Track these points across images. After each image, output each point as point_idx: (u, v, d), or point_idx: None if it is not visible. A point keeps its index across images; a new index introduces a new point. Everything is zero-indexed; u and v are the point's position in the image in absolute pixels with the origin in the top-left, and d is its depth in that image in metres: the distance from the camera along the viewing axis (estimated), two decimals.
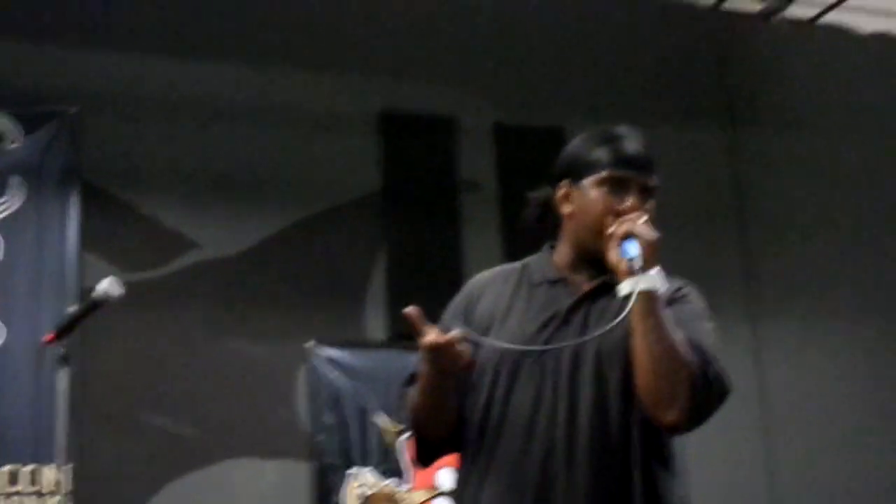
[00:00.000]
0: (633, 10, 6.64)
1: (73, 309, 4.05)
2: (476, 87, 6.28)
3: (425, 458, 2.49)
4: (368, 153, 6.04)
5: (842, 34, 6.96)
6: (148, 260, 5.53)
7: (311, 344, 5.64)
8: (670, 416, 2.24)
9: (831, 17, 6.68)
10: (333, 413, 5.57)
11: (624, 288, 2.27)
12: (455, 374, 2.31)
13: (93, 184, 5.50)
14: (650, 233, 2.34)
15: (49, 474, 4.98)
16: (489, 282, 2.52)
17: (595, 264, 2.40)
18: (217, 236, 5.67)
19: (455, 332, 2.28)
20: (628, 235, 2.31)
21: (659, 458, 2.35)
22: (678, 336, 2.27)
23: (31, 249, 5.29)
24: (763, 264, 6.56)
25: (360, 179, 5.99)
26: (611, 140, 2.51)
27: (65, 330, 3.55)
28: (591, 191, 2.43)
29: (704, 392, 2.27)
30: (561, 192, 2.49)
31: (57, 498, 3.80)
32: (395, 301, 5.82)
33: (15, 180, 5.33)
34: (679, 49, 6.73)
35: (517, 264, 2.55)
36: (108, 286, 3.48)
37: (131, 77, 5.71)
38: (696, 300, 2.47)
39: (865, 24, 7.06)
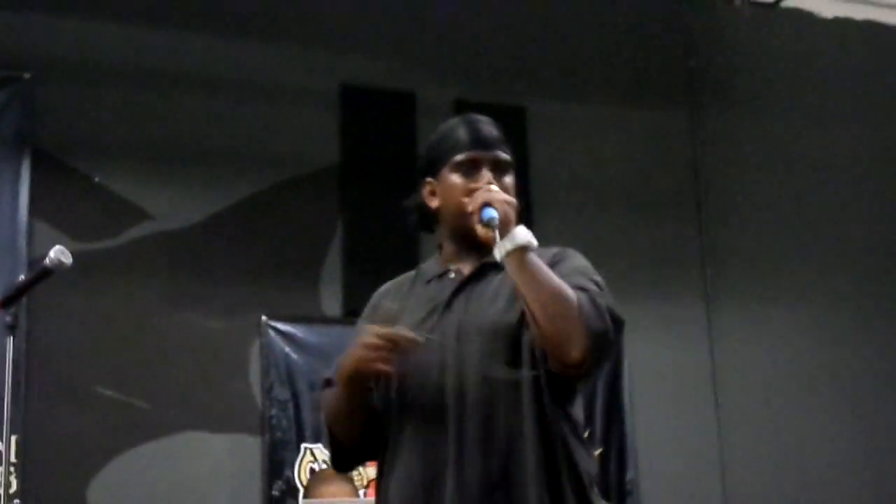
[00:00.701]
0: None
1: (21, 277, 3.98)
2: (437, 63, 6.24)
3: (341, 464, 2.58)
4: (327, 127, 6.00)
5: (803, 18, 6.98)
6: (99, 230, 5.46)
7: (264, 318, 5.60)
8: (573, 353, 2.28)
9: (793, 1, 6.70)
10: (286, 388, 5.54)
11: (497, 253, 2.33)
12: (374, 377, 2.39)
13: (45, 151, 5.43)
14: (503, 196, 2.39)
15: None
16: (388, 291, 2.61)
17: (477, 250, 2.47)
18: (170, 207, 5.61)
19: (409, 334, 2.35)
20: (484, 205, 2.36)
21: (561, 426, 2.37)
22: (562, 282, 2.33)
23: None
24: (720, 246, 6.59)
25: (318, 153, 5.95)
26: (457, 127, 2.59)
27: (12, 298, 3.49)
28: (448, 178, 2.53)
29: (599, 324, 2.32)
30: (426, 189, 2.58)
31: (1, 468, 3.75)
32: (351, 276, 5.79)
33: None
34: (642, 29, 6.72)
35: (412, 271, 2.65)
36: (57, 254, 3.42)
37: (86, 44, 5.63)
38: (575, 257, 2.52)
39: (826, 9, 7.09)
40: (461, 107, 6.07)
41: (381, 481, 2.44)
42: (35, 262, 4.89)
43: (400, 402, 2.41)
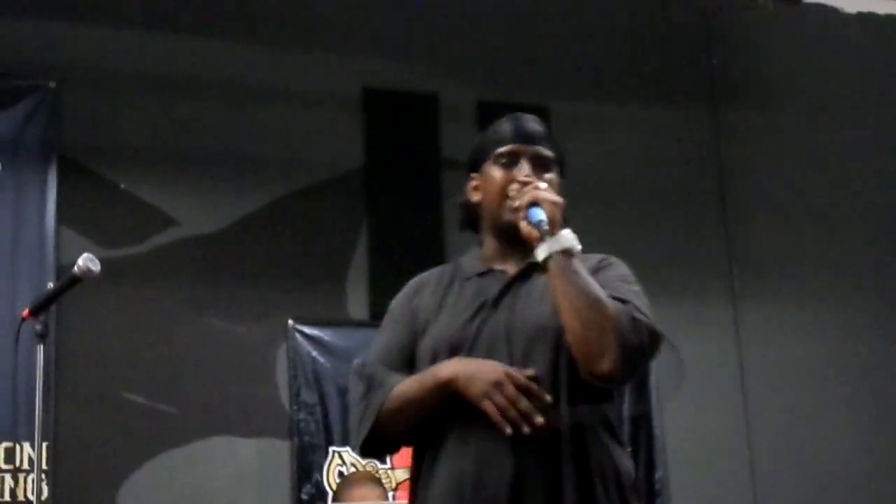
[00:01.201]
0: None
1: (50, 285, 4.01)
2: (459, 65, 6.25)
3: (373, 450, 2.51)
4: (351, 130, 6.01)
5: (827, 14, 6.93)
6: (126, 236, 5.49)
7: (291, 322, 5.61)
8: (603, 365, 2.27)
9: None
10: (314, 391, 5.55)
11: (540, 254, 2.34)
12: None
13: (71, 159, 5.46)
14: (552, 196, 2.40)
15: (25, 452, 4.95)
16: (426, 282, 2.58)
17: (520, 247, 2.46)
18: (197, 213, 5.63)
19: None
20: (532, 203, 2.38)
21: (602, 426, 2.37)
22: (601, 291, 2.32)
23: (9, 225, 5.24)
24: (744, 244, 6.56)
25: (343, 157, 5.96)
26: (502, 123, 2.61)
27: (42, 306, 3.52)
28: (489, 172, 2.54)
29: (634, 339, 2.31)
30: (470, 185, 2.61)
31: (33, 475, 3.77)
32: (377, 279, 5.79)
33: None
34: (664, 27, 6.71)
35: (447, 266, 2.63)
36: (85, 262, 3.45)
37: (112, 52, 5.66)
38: (619, 266, 2.52)
39: (850, 5, 7.04)
40: (484, 107, 6.09)
41: (422, 477, 2.41)
42: (63, 269, 4.93)
43: (449, 400, 2.36)
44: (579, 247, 2.35)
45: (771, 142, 6.77)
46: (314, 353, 5.60)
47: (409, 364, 2.46)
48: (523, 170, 2.50)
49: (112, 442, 5.25)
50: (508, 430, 2.24)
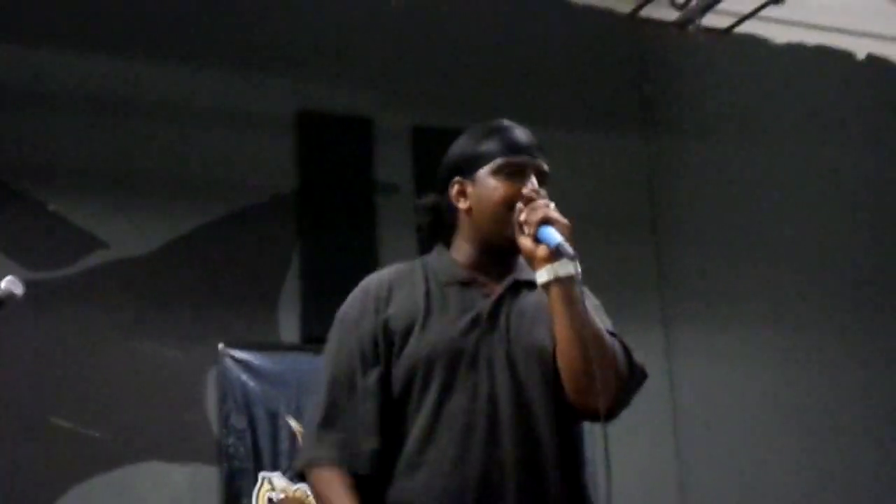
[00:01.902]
0: (551, 17, 6.65)
1: None
2: (394, 89, 6.25)
3: None
4: (284, 153, 5.99)
5: (756, 43, 7.03)
6: (55, 259, 5.42)
7: (221, 346, 5.56)
8: (603, 402, 2.21)
9: (746, 28, 6.74)
10: (243, 416, 5.50)
11: (543, 275, 2.26)
12: None
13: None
14: (562, 218, 2.33)
15: None
16: (394, 281, 2.43)
17: (500, 259, 2.39)
18: (126, 236, 5.58)
19: None
20: (545, 221, 2.29)
21: (578, 454, 2.37)
22: (601, 325, 2.28)
23: None
24: (676, 270, 6.62)
25: (275, 180, 5.93)
26: (499, 130, 2.49)
27: None
28: (487, 180, 2.41)
29: (631, 377, 2.30)
30: (454, 189, 2.45)
31: None
32: (309, 303, 5.77)
33: None
34: (597, 56, 6.76)
35: (411, 265, 2.49)
36: (8, 285, 3.38)
37: (42, 72, 5.60)
38: (591, 296, 2.45)
39: (779, 35, 7.14)
40: (418, 132, 6.09)
41: (391, 486, 2.29)
42: None
43: (435, 414, 2.27)
44: (579, 272, 2.27)
45: (703, 169, 6.85)
46: (244, 377, 5.55)
47: (374, 363, 2.33)
48: (531, 185, 2.39)
49: (39, 467, 5.17)
50: None
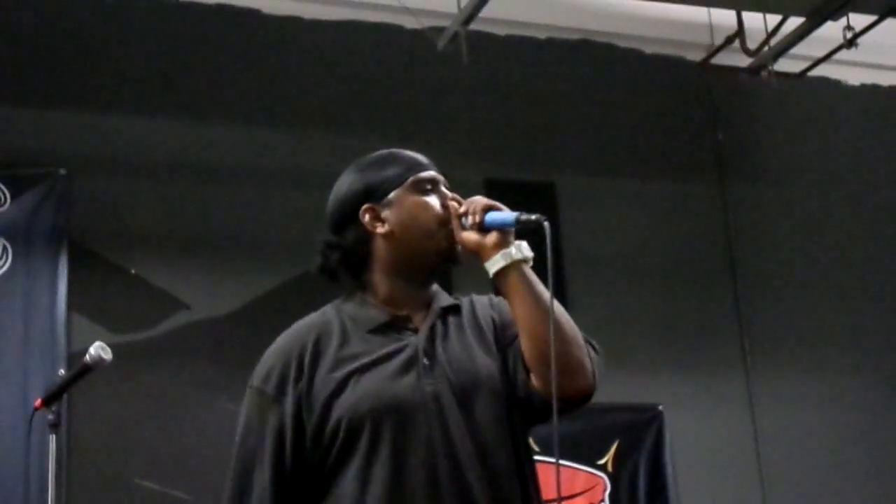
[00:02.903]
0: (623, 66, 6.67)
1: (62, 374, 4.00)
2: (466, 143, 6.28)
3: None
4: None
5: (830, 86, 7.00)
6: (137, 321, 5.48)
7: None
8: (583, 380, 2.15)
9: (819, 71, 6.72)
10: None
11: (498, 261, 2.20)
12: None
13: (81, 245, 5.47)
14: (497, 203, 2.26)
15: None
16: (314, 344, 2.29)
17: (419, 286, 2.30)
18: (206, 297, 5.63)
19: None
20: (489, 208, 2.23)
21: (536, 480, 2.26)
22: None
23: (20, 313, 5.23)
24: (756, 316, 6.55)
25: None
26: (394, 155, 2.46)
27: (54, 396, 3.52)
28: (407, 199, 2.34)
29: (595, 354, 2.23)
30: (367, 216, 2.35)
31: None
32: None
33: (2, 244, 5.29)
34: (669, 104, 6.75)
35: (323, 315, 2.37)
36: (97, 351, 3.45)
37: (120, 138, 5.70)
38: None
39: (853, 77, 7.10)
40: (491, 185, 6.11)
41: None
42: (74, 356, 4.92)
43: (395, 473, 2.13)
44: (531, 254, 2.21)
45: (779, 214, 6.79)
46: None
47: (294, 439, 2.21)
48: (449, 194, 2.34)
49: None
50: None
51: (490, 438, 2.18)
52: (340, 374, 2.20)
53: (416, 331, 2.27)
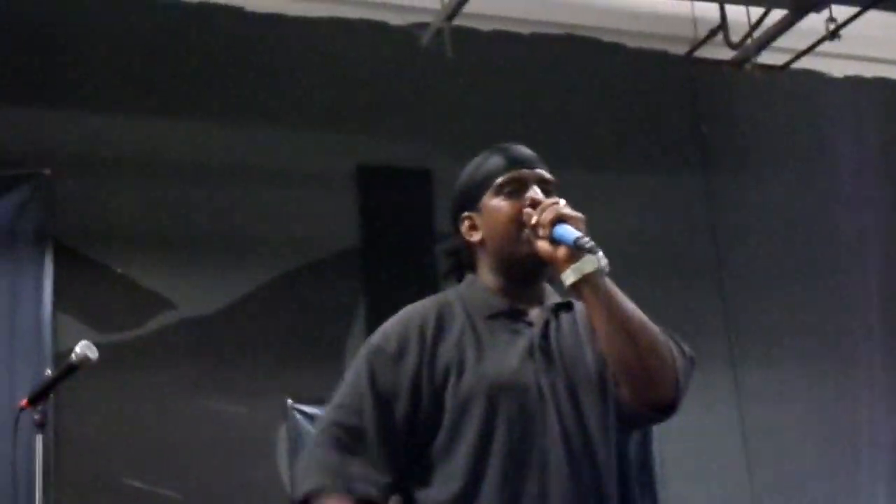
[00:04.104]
0: (607, 60, 6.67)
1: (48, 374, 3.99)
2: (451, 139, 6.28)
3: None
4: (346, 209, 6.02)
5: (814, 78, 7.01)
6: (124, 320, 5.48)
7: (290, 402, 5.58)
8: (666, 392, 2.16)
9: (803, 63, 6.73)
10: None
11: (569, 276, 2.18)
12: None
13: (67, 245, 5.46)
14: (575, 213, 2.26)
15: None
16: (436, 318, 2.34)
17: (527, 284, 2.32)
18: (193, 295, 5.63)
19: None
20: (558, 220, 2.22)
21: (631, 480, 2.29)
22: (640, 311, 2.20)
23: (5, 314, 5.22)
24: (742, 309, 6.56)
25: (338, 235, 5.96)
26: (493, 153, 2.47)
27: (40, 395, 3.50)
28: (491, 204, 2.36)
29: (684, 364, 2.23)
30: (465, 225, 2.40)
31: None
32: None
33: None
34: (653, 97, 6.76)
35: (446, 297, 2.41)
36: (83, 350, 3.44)
37: (104, 137, 5.68)
38: None
39: (837, 69, 7.11)
40: None
41: None
42: (60, 356, 4.91)
43: (509, 453, 2.17)
44: (608, 266, 2.21)
45: (763, 207, 6.80)
46: (314, 432, 5.55)
47: (409, 401, 2.23)
48: (534, 192, 2.33)
49: None
50: None
51: (596, 434, 2.20)
52: (461, 352, 2.24)
53: (531, 324, 2.30)
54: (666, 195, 6.65)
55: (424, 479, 2.23)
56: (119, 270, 5.55)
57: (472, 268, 2.42)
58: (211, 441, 5.47)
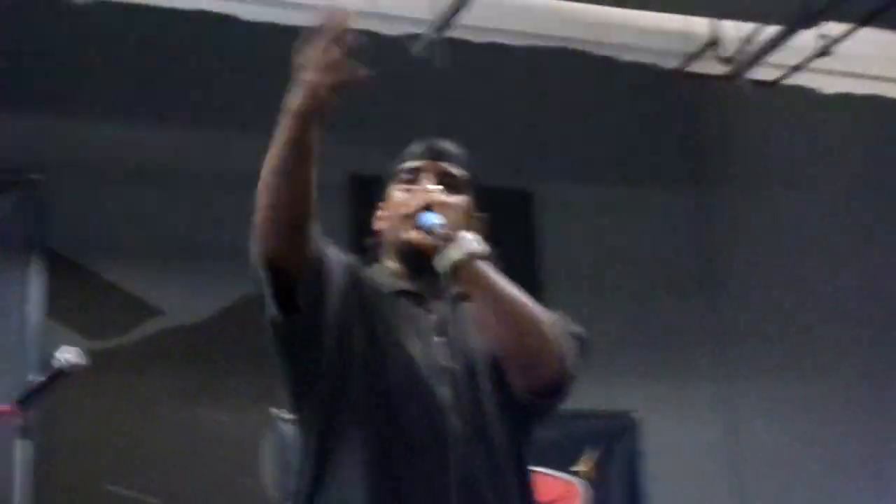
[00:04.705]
0: (600, 74, 6.67)
1: (31, 379, 3.98)
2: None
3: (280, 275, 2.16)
4: (336, 218, 5.99)
5: (805, 94, 7.01)
6: (112, 327, 5.47)
7: (275, 410, 5.57)
8: (550, 374, 2.10)
9: (795, 79, 6.73)
10: None
11: (440, 262, 2.12)
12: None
13: (57, 251, 5.45)
14: (447, 198, 2.21)
15: None
16: (363, 273, 2.30)
17: (420, 271, 2.25)
18: (181, 303, 5.62)
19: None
20: (425, 208, 2.19)
21: (527, 467, 2.23)
22: (524, 294, 2.12)
23: None
24: (732, 323, 6.56)
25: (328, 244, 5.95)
26: (411, 146, 2.42)
27: (26, 401, 3.49)
28: (389, 192, 2.36)
29: (571, 343, 2.16)
30: (377, 213, 2.40)
31: None
32: None
33: None
34: (645, 111, 6.76)
35: (361, 264, 2.37)
36: (70, 356, 3.43)
37: (93, 144, 5.68)
38: None
39: (828, 86, 7.12)
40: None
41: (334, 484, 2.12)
42: (48, 362, 4.89)
43: (394, 424, 2.10)
44: (486, 249, 2.12)
45: (754, 221, 6.81)
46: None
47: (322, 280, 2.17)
48: (421, 183, 2.28)
49: None
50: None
51: (495, 422, 2.15)
52: (372, 311, 2.19)
53: (430, 311, 2.24)
54: (658, 209, 6.65)
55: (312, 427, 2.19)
56: (108, 277, 5.53)
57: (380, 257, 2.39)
58: (196, 449, 5.45)
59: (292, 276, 2.16)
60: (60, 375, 3.49)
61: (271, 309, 2.22)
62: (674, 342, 6.41)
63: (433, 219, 2.14)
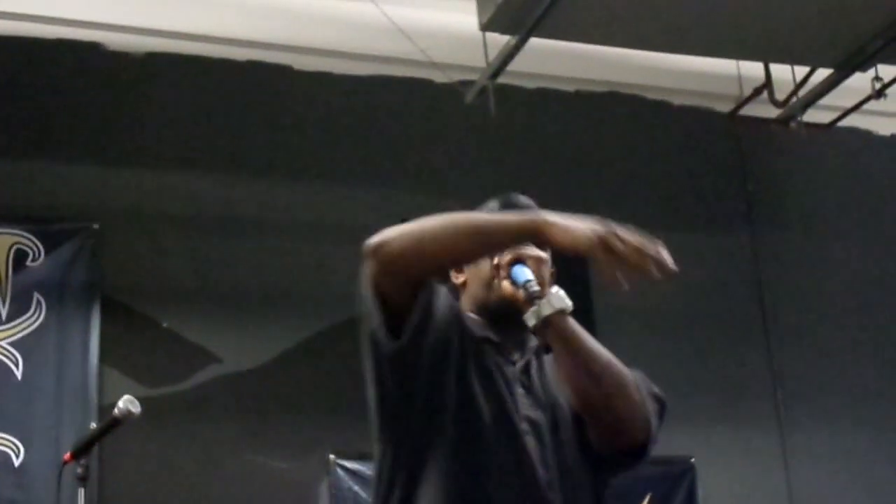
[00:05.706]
0: (652, 118, 6.68)
1: (91, 428, 4.03)
2: (486, 197, 6.26)
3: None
4: None
5: (860, 136, 6.98)
6: (168, 374, 5.50)
7: (332, 457, 5.58)
8: (635, 434, 2.13)
9: (848, 121, 6.71)
10: None
11: (530, 319, 2.14)
12: None
13: (113, 299, 5.51)
14: (536, 252, 2.23)
15: None
16: (463, 314, 2.32)
17: (505, 324, 2.27)
18: (237, 349, 5.65)
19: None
20: (515, 261, 2.20)
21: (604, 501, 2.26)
22: (608, 352, 2.16)
23: (52, 367, 5.27)
24: (790, 369, 6.50)
25: None
26: (489, 202, 2.48)
27: (83, 449, 3.52)
28: None
29: (653, 403, 2.18)
30: (454, 270, 2.39)
31: None
32: None
33: (36, 298, 5.34)
34: (698, 155, 6.75)
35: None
36: (126, 404, 3.46)
37: (151, 193, 5.75)
38: None
39: (883, 128, 7.08)
40: None
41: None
42: (106, 410, 4.93)
43: (479, 469, 2.13)
44: (572, 304, 2.15)
45: (810, 265, 6.76)
46: (356, 488, 5.54)
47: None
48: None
49: None
50: (626, 286, 2.01)
51: (576, 473, 2.17)
52: (465, 350, 2.21)
53: (514, 363, 2.27)
54: (712, 253, 6.61)
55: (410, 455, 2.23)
56: (165, 325, 5.58)
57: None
58: (254, 496, 5.46)
59: (405, 303, 2.19)
60: (116, 424, 3.52)
61: (379, 332, 2.27)
62: (731, 387, 6.35)
63: (526, 273, 2.17)
